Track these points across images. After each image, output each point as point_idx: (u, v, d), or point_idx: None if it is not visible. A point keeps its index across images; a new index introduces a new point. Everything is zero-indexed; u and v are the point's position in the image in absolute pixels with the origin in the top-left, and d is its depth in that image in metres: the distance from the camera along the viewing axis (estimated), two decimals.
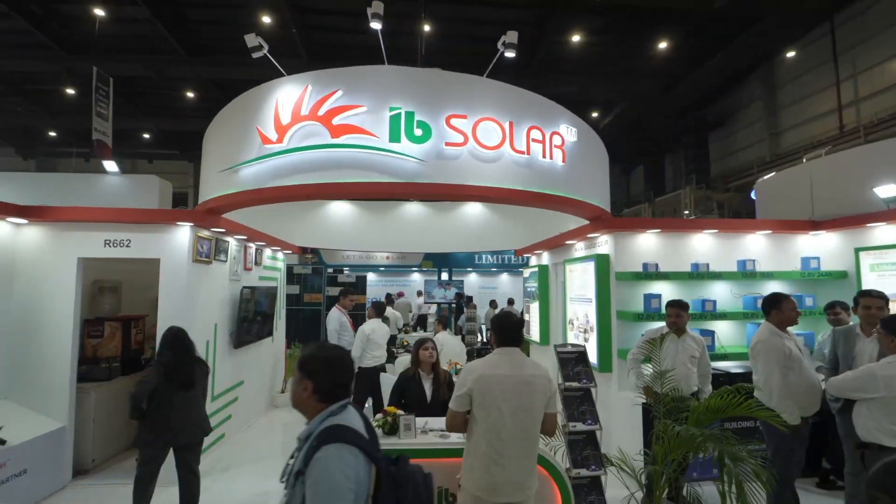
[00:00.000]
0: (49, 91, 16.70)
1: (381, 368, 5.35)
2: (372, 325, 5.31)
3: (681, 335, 4.11)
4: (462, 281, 10.77)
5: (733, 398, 2.94)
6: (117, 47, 14.57)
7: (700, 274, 4.74)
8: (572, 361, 3.58)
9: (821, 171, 5.82)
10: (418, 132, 3.74)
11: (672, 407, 3.44)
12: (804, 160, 7.47)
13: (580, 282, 5.43)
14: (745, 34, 12.31)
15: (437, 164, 3.77)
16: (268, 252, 6.61)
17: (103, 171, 11.44)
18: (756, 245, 5.05)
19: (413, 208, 8.30)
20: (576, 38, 13.98)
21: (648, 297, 4.64)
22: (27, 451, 3.87)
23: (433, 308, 11.06)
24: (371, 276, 14.23)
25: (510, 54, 4.45)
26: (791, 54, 13.62)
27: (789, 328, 3.68)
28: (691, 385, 4.03)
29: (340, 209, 7.90)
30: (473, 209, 8.15)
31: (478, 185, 3.86)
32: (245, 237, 5.53)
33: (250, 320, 5.73)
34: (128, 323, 5.17)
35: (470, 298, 10.72)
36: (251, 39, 4.07)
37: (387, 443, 3.02)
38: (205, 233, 4.74)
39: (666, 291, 4.76)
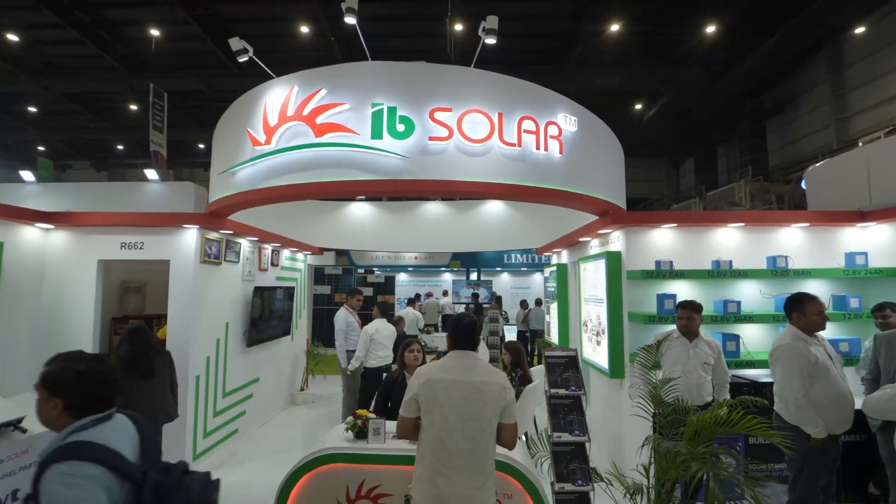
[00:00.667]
0: (116, 108, 18.25)
1: (387, 369, 5.29)
2: (376, 325, 5.27)
3: (693, 339, 3.75)
4: (491, 281, 10.56)
5: (730, 413, 2.60)
6: (173, 64, 15.61)
7: (722, 272, 4.30)
8: (561, 367, 3.34)
9: (880, 156, 5.13)
10: (401, 128, 3.64)
11: (672, 419, 3.13)
12: (860, 143, 6.64)
13: (592, 281, 5.12)
14: (804, 12, 11.20)
15: (421, 159, 3.66)
16: (286, 253, 6.77)
17: (166, 179, 12.40)
18: (791, 240, 4.52)
19: (433, 207, 8.24)
20: (615, 28, 13.34)
21: (662, 298, 4.27)
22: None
23: (461, 309, 10.92)
24: (402, 277, 14.30)
25: (491, 41, 4.25)
26: (861, 30, 12.23)
27: (819, 333, 3.26)
28: (703, 395, 3.65)
29: (360, 210, 7.98)
30: (494, 207, 7.96)
31: (465, 180, 3.71)
32: (256, 238, 5.68)
33: (265, 319, 5.89)
34: (150, 321, 5.46)
35: (499, 298, 10.48)
36: (235, 43, 4.17)
37: (355, 447, 2.95)
38: (213, 235, 4.91)
39: (682, 291, 4.36)
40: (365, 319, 5.75)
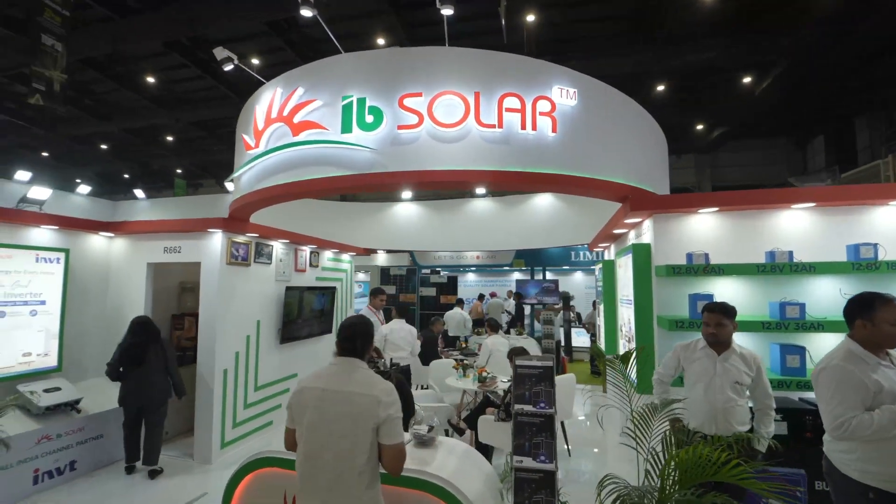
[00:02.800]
0: (231, 132, 20.78)
1: (405, 370, 5.14)
2: (391, 326, 5.16)
3: (722, 351, 2.97)
4: (557, 280, 9.83)
5: (711, 454, 1.95)
6: None
7: (778, 266, 3.37)
8: (532, 379, 2.86)
9: None
10: (369, 119, 3.48)
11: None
12: None
13: (625, 279, 4.42)
14: None
15: (391, 151, 3.45)
16: (327, 254, 6.98)
17: None
18: (886, 222, 3.39)
19: (480, 204, 7.94)
20: None
21: (695, 299, 3.49)
22: (103, 419, 4.72)
23: (527, 309, 10.35)
24: (471, 277, 14.02)
25: (447, 12, 3.85)
26: None
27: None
28: (733, 423, 2.86)
29: (405, 210, 7.98)
30: (543, 201, 7.42)
31: (439, 169, 3.41)
32: (287, 241, 5.92)
33: (303, 318, 6.13)
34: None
35: (566, 298, 9.67)
36: (220, 52, 4.35)
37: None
38: (241, 238, 5.21)
39: (725, 291, 3.53)
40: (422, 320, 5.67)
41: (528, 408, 2.77)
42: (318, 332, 6.55)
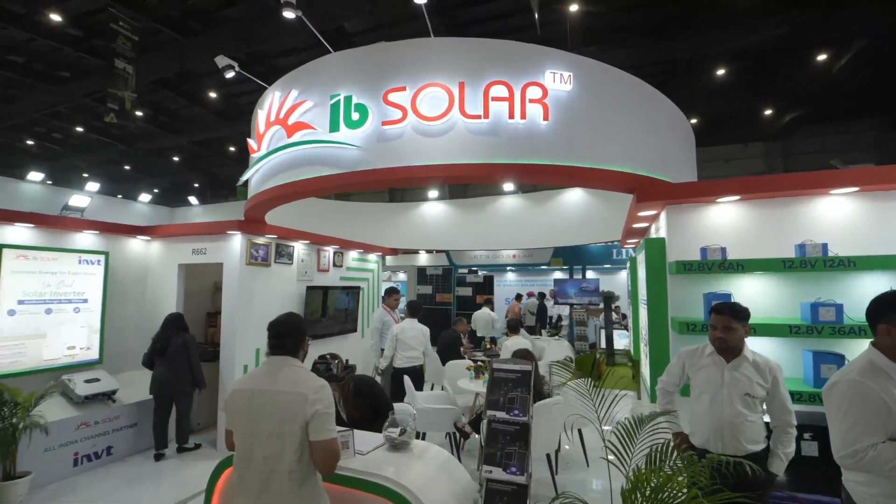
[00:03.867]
0: None
1: (416, 370, 5.05)
2: (402, 326, 5.10)
3: (732, 359, 2.60)
4: (598, 280, 9.30)
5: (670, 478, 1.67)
6: None
7: (809, 261, 2.91)
8: (509, 384, 2.67)
9: None
10: (355, 116, 3.44)
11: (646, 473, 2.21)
12: None
13: (642, 277, 4.06)
14: None
15: (376, 147, 3.39)
16: (352, 254, 7.07)
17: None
18: None
19: (509, 201, 7.72)
20: None
21: (709, 298, 3.10)
22: (137, 409, 5.06)
23: (565, 310, 9.90)
24: (510, 276, 13.66)
25: (421, 0, 3.67)
26: None
27: None
28: (742, 440, 2.49)
29: (432, 209, 7.92)
30: (573, 196, 7.07)
31: (424, 164, 3.30)
32: (308, 241, 6.05)
33: (328, 317, 6.25)
34: None
35: (608, 298, 9.10)
36: (220, 60, 4.47)
37: None
38: (260, 239, 5.39)
39: (747, 290, 3.11)
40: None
41: (501, 414, 2.59)
42: (339, 331, 6.65)
